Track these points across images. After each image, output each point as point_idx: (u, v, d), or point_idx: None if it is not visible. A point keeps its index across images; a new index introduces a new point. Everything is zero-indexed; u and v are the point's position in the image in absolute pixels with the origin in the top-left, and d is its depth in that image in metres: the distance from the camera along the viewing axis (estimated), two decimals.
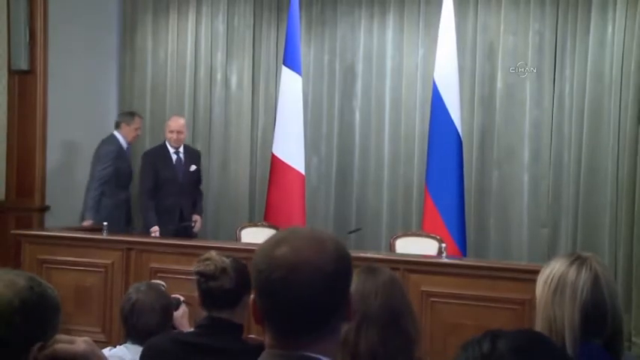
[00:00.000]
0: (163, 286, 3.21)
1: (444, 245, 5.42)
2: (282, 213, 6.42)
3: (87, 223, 6.35)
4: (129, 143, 6.74)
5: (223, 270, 2.67)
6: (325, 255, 1.46)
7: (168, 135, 6.46)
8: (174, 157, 6.48)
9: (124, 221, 6.64)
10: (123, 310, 2.99)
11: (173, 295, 3.14)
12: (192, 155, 6.62)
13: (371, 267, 2.32)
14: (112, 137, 6.65)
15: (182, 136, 6.50)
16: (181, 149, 6.52)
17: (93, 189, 6.47)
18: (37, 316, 1.57)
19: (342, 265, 1.48)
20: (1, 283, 1.56)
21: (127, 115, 6.84)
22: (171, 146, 6.47)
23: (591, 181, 6.30)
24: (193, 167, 6.55)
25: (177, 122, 6.52)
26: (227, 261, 2.71)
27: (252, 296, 1.50)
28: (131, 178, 6.78)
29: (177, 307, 3.08)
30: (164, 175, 6.41)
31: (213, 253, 2.75)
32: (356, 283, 2.16)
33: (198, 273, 2.69)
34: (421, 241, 5.93)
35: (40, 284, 1.61)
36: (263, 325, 1.49)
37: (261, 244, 1.51)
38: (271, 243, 1.49)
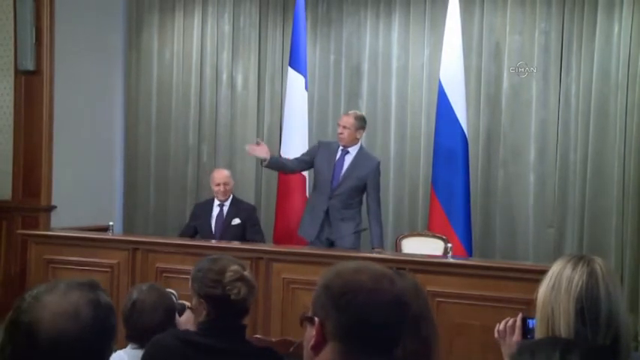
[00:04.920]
0: (174, 295, 3.17)
1: (449, 245, 5.42)
2: (291, 213, 6.43)
3: None
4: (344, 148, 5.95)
5: (253, 287, 2.69)
6: (395, 287, 1.64)
7: (214, 188, 6.32)
8: (216, 210, 6.31)
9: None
10: (123, 310, 2.97)
11: (179, 301, 3.12)
12: (240, 210, 6.32)
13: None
14: None
15: (228, 188, 6.30)
16: (227, 202, 6.31)
17: None
18: (99, 347, 1.53)
19: (408, 298, 1.69)
20: (63, 317, 1.47)
21: None
22: (217, 199, 6.33)
23: (597, 181, 6.28)
24: (236, 221, 6.24)
25: (220, 174, 6.38)
26: (249, 274, 2.71)
27: (317, 319, 1.60)
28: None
29: (182, 313, 3.06)
30: (201, 227, 6.31)
31: (238, 269, 2.69)
32: None
33: (236, 301, 2.65)
34: (427, 241, 5.93)
35: (103, 312, 1.53)
36: (321, 347, 1.59)
37: (336, 271, 1.65)
38: (350, 271, 1.64)
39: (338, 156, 5.90)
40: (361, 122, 5.93)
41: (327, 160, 5.92)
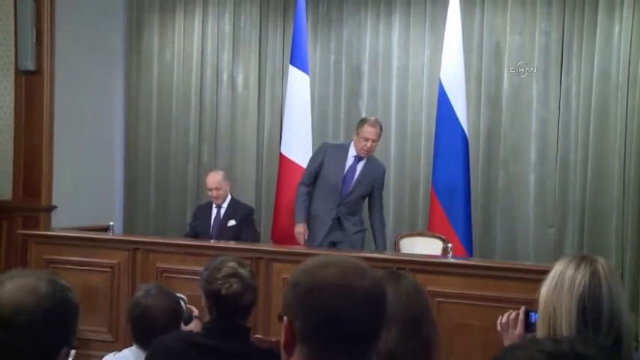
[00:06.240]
0: (184, 300, 3.17)
1: (450, 245, 5.41)
2: (290, 212, 6.40)
3: None
4: (357, 155, 5.83)
5: (249, 286, 2.70)
6: (366, 281, 1.51)
7: (208, 192, 6.29)
8: (214, 211, 6.27)
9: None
10: (132, 314, 2.96)
11: (187, 307, 3.12)
12: (237, 211, 6.27)
13: (394, 272, 2.36)
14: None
15: (220, 192, 6.20)
16: (225, 204, 6.27)
17: None
18: (60, 323, 1.55)
19: (378, 292, 1.54)
20: (22, 291, 1.52)
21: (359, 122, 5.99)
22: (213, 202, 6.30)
23: (598, 181, 6.28)
24: (232, 222, 6.19)
25: (212, 178, 6.29)
26: (248, 273, 2.71)
27: (285, 318, 1.52)
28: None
29: (188, 322, 3.06)
30: (200, 229, 6.28)
31: (235, 266, 2.72)
32: None
33: (227, 295, 2.67)
34: (426, 240, 5.94)
35: (61, 288, 1.58)
36: (293, 347, 1.51)
37: (303, 267, 1.55)
38: (316, 266, 1.53)
39: (350, 163, 5.79)
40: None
41: (336, 166, 5.80)
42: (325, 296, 1.47)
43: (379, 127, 5.78)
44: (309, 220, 5.93)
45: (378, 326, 1.54)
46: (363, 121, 5.85)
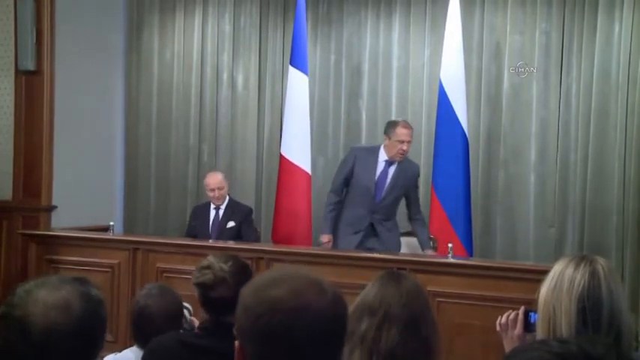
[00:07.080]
0: (189, 310, 3.16)
1: (450, 245, 5.41)
2: (290, 213, 6.41)
3: None
4: (389, 159, 5.69)
5: (222, 280, 2.66)
6: (325, 298, 1.39)
7: (209, 194, 6.27)
8: (212, 213, 6.29)
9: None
10: (133, 314, 2.97)
11: (190, 317, 3.13)
12: (235, 212, 6.31)
13: (395, 272, 2.38)
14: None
15: (222, 193, 6.25)
16: (223, 205, 6.31)
17: None
18: (90, 338, 1.53)
19: (340, 309, 1.42)
20: (55, 311, 1.47)
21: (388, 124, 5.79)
22: (213, 203, 6.30)
23: (598, 181, 6.28)
24: (231, 224, 6.22)
25: (213, 179, 6.31)
26: (226, 267, 2.68)
27: (237, 342, 1.41)
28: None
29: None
30: (199, 230, 6.28)
31: (212, 260, 2.72)
32: (378, 286, 2.19)
33: (197, 285, 2.69)
34: (407, 240, 5.98)
35: (94, 305, 1.54)
36: None
37: (252, 285, 1.42)
38: (266, 284, 1.40)
39: (381, 168, 5.67)
40: None
41: (367, 171, 5.66)
42: (276, 320, 1.33)
43: (411, 127, 5.68)
44: (340, 228, 5.81)
45: (339, 345, 1.41)
46: (394, 124, 5.68)
